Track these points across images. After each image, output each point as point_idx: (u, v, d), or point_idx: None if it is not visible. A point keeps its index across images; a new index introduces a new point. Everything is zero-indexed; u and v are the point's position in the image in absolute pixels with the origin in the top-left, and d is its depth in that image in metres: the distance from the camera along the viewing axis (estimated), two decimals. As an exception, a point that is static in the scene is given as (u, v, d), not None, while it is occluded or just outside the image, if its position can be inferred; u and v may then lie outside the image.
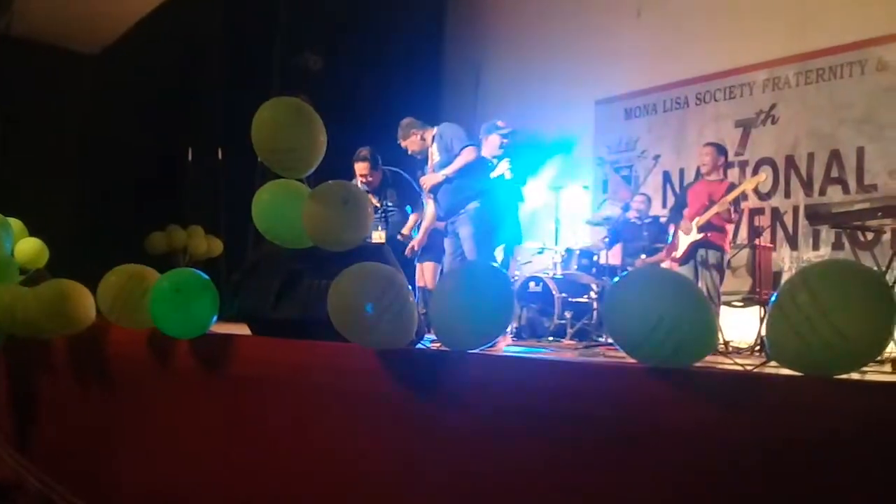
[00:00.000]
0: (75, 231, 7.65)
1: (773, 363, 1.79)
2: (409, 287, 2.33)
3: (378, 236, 5.61)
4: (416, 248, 5.64)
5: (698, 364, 1.81)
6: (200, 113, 8.62)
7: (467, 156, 4.85)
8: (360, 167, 5.69)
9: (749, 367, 1.75)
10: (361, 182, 5.69)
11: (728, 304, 5.69)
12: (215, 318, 2.89)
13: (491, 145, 5.74)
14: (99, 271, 3.25)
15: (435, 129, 5.13)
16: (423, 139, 5.15)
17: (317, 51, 8.78)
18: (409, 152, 5.34)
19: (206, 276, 2.88)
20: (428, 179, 5.02)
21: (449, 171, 4.87)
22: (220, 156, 8.77)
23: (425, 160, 5.21)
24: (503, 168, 5.66)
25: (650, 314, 1.69)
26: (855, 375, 1.67)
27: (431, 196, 5.11)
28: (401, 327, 2.22)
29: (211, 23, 8.40)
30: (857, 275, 1.59)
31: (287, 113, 2.59)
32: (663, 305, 1.68)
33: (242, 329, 3.14)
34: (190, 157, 8.91)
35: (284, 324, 2.80)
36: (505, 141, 5.76)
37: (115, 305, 3.05)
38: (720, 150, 5.69)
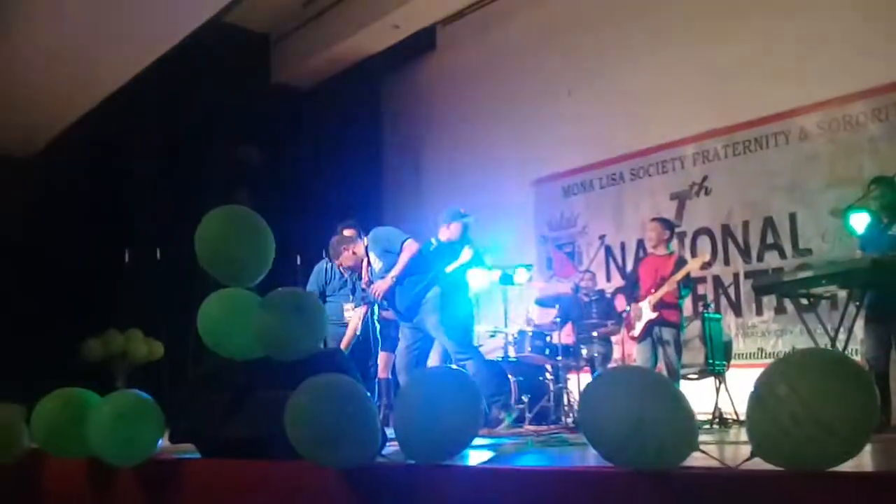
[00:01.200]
0: (7, 341, 7.27)
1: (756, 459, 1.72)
2: (371, 397, 2.22)
3: (349, 308, 5.48)
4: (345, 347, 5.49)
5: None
6: (136, 213, 8.45)
7: (410, 249, 4.80)
8: (351, 233, 5.55)
9: (732, 465, 1.68)
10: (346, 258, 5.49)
11: (683, 377, 5.69)
12: (161, 441, 2.70)
13: (454, 232, 5.67)
14: (33, 383, 3.04)
15: (364, 241, 5.08)
16: (354, 253, 5.10)
17: (255, 145, 8.76)
18: (344, 269, 5.28)
19: (149, 397, 2.71)
20: (378, 286, 4.90)
21: (396, 271, 4.79)
22: (158, 255, 8.56)
23: (359, 275, 5.15)
24: (467, 255, 5.57)
25: (629, 418, 1.62)
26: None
27: (386, 302, 5.01)
28: (363, 443, 2.10)
29: (145, 123, 8.33)
30: (835, 364, 1.56)
31: (232, 222, 2.50)
32: (642, 408, 1.61)
33: (190, 450, 2.95)
34: (127, 259, 8.67)
35: (235, 443, 2.62)
36: (463, 228, 5.70)
37: (51, 435, 2.83)
38: (666, 224, 5.79)
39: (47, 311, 7.67)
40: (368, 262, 5.08)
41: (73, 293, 7.82)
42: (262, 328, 2.53)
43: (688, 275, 5.37)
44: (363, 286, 5.29)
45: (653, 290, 5.44)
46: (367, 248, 5.03)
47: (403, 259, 4.77)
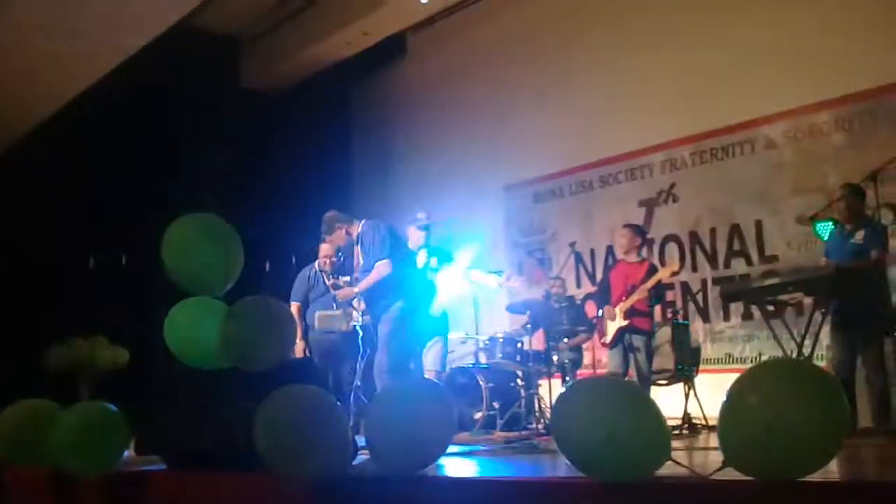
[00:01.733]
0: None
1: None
2: (341, 406, 2.19)
3: (335, 313, 5.31)
4: None
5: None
6: (101, 218, 8.30)
7: (381, 271, 4.62)
8: (327, 247, 5.42)
9: (705, 475, 1.68)
10: (325, 263, 5.38)
11: (653, 382, 5.72)
12: (126, 452, 2.65)
13: (412, 238, 5.63)
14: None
15: (360, 225, 4.88)
16: (348, 233, 4.91)
17: (224, 150, 8.66)
18: (335, 247, 5.14)
19: (115, 408, 2.65)
20: (344, 294, 4.80)
21: (362, 287, 4.69)
22: (123, 261, 8.42)
23: (350, 256, 5.00)
24: (422, 259, 5.52)
25: (600, 429, 1.61)
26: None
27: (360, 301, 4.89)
28: (333, 454, 2.07)
29: (112, 126, 8.19)
30: (805, 373, 1.57)
31: (200, 230, 2.46)
32: (614, 418, 1.61)
33: (155, 461, 2.89)
34: (91, 264, 8.51)
35: (202, 454, 2.58)
36: (422, 233, 5.69)
37: (14, 445, 2.76)
38: (637, 231, 5.81)
39: (9, 317, 7.50)
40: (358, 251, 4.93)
41: (37, 299, 7.66)
42: (229, 338, 2.49)
43: (658, 282, 5.40)
44: (338, 284, 5.15)
45: (623, 298, 5.46)
46: (358, 235, 4.84)
47: (371, 278, 4.62)
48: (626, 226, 5.92)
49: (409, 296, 4.66)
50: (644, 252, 5.97)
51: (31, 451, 2.80)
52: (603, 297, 5.74)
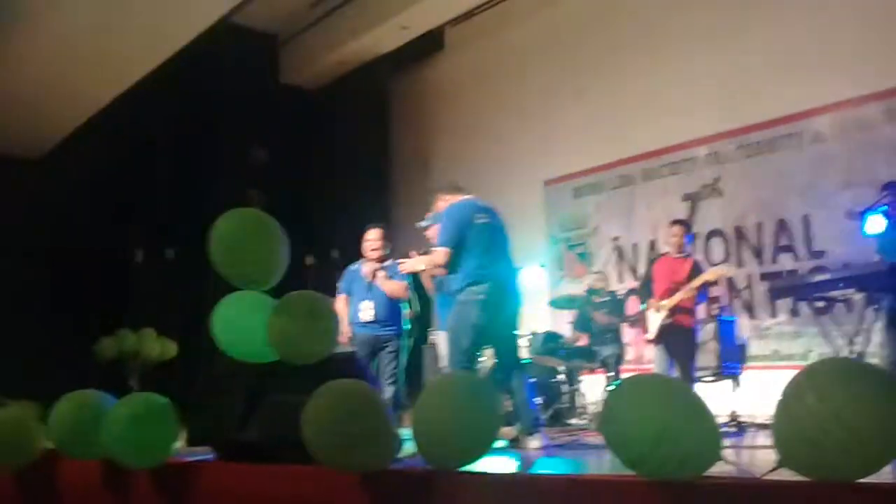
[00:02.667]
0: (21, 341, 7.29)
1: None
2: (387, 402, 2.20)
3: (365, 307, 5.35)
4: None
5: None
6: (148, 213, 8.48)
7: (432, 258, 4.48)
8: (375, 234, 5.48)
9: (758, 475, 1.65)
10: (371, 252, 5.43)
11: (698, 379, 5.65)
12: (177, 444, 2.69)
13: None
14: (48, 382, 3.04)
15: (459, 197, 4.66)
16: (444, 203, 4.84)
17: (264, 145, 8.78)
18: (382, 234, 5.22)
19: (165, 399, 2.70)
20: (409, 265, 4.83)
21: (420, 268, 4.65)
22: (170, 255, 8.59)
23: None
24: None
25: (651, 427, 1.59)
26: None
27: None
28: (381, 449, 2.08)
29: (155, 124, 8.36)
30: (864, 373, 1.53)
31: (247, 225, 2.49)
32: (664, 417, 1.59)
33: (206, 451, 2.94)
34: (140, 258, 8.70)
35: (252, 446, 2.61)
36: None
37: (67, 436, 2.83)
38: (688, 227, 5.74)
39: (61, 310, 7.70)
40: None
41: (86, 293, 7.86)
42: (276, 332, 2.52)
43: (704, 282, 5.32)
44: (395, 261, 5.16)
45: (667, 294, 5.40)
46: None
47: (423, 260, 4.61)
48: (676, 223, 5.83)
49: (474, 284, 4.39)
50: (689, 248, 5.89)
51: (83, 442, 2.86)
52: (645, 291, 5.69)
